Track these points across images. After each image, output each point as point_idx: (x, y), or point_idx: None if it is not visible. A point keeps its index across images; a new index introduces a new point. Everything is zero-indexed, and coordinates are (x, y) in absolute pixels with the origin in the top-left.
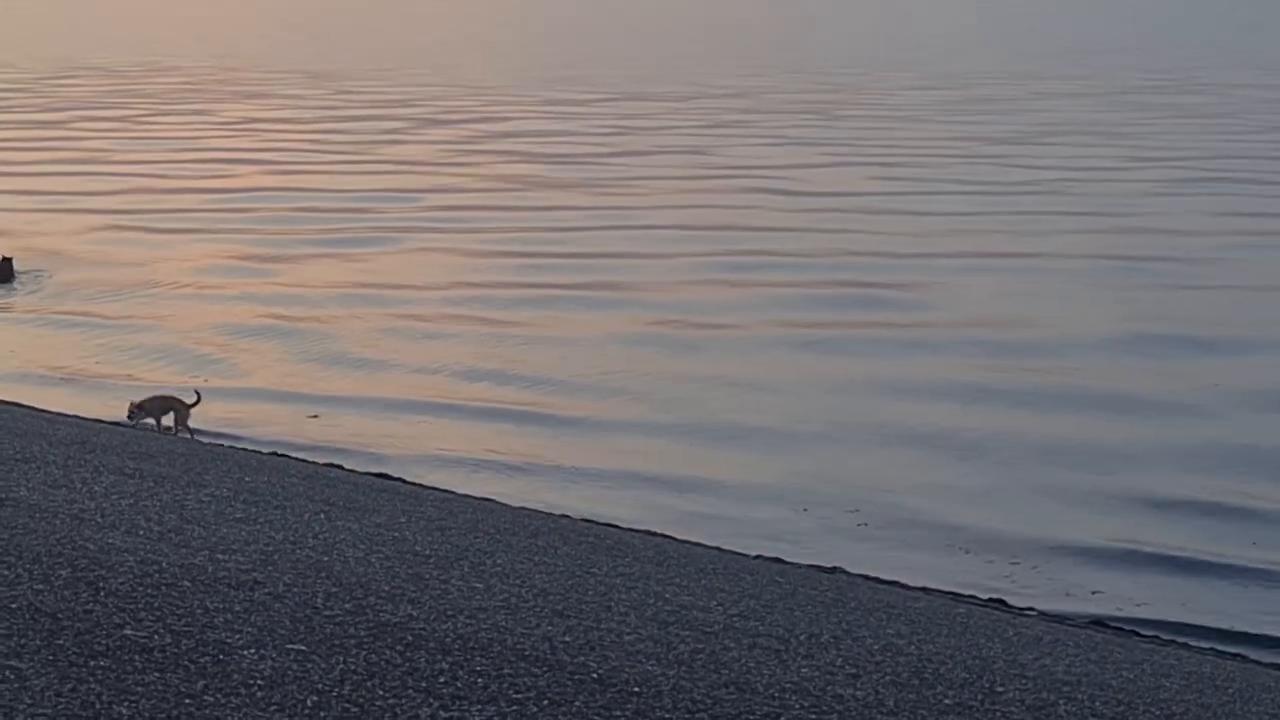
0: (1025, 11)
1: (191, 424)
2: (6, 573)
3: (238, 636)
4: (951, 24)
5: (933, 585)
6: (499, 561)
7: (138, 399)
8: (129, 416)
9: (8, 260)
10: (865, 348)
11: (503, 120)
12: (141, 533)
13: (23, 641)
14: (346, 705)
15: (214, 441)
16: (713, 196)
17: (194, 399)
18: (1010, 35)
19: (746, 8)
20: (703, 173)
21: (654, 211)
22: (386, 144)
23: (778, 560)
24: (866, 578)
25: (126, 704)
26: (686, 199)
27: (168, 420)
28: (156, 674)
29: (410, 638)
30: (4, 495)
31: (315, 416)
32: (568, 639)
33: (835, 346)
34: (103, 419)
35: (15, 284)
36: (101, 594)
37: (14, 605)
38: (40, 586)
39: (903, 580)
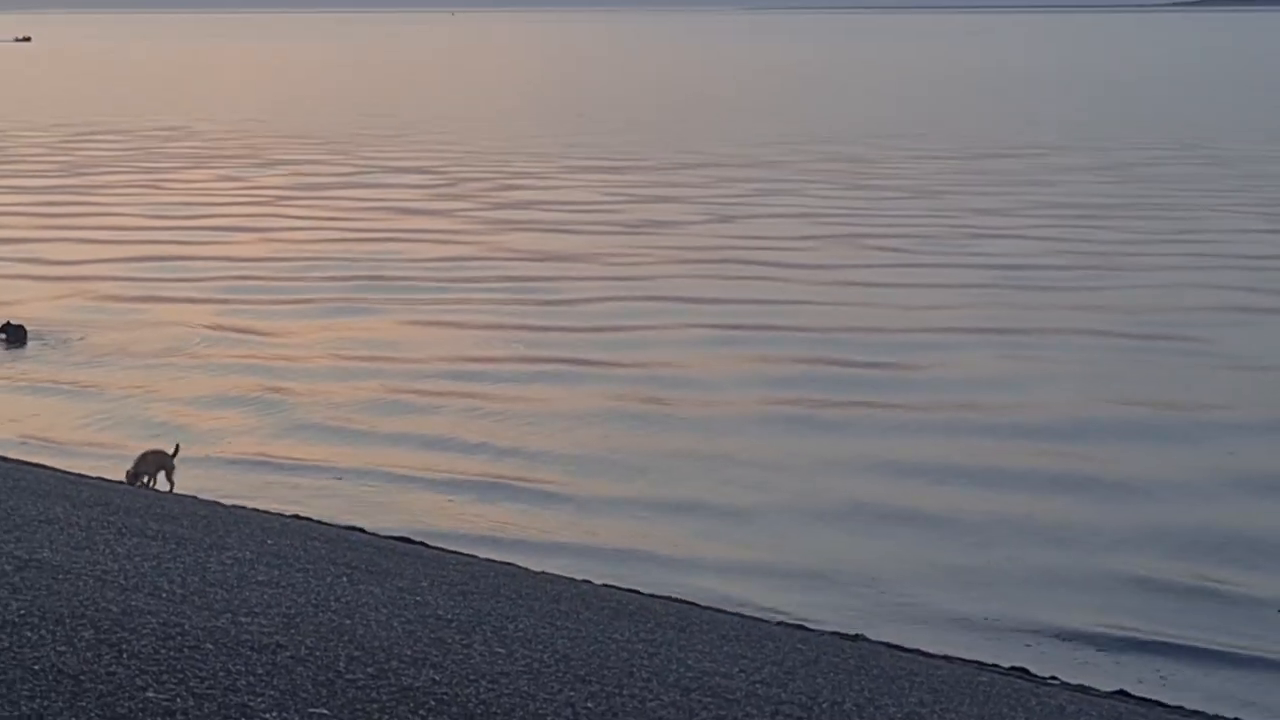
0: (1060, 63)
1: (216, 493)
2: (30, 634)
3: (260, 700)
4: (965, 72)
5: (955, 654)
6: (521, 626)
7: (129, 465)
8: (129, 482)
9: (20, 327)
10: (865, 426)
11: (518, 188)
12: (164, 595)
13: (46, 703)
14: None
15: (236, 505)
16: (710, 268)
17: (174, 449)
18: (1034, 97)
19: (782, 57)
20: (707, 245)
21: (669, 284)
22: (401, 211)
23: (800, 627)
24: (889, 645)
25: None
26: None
27: (162, 477)
28: None
29: (433, 702)
30: (28, 557)
31: (340, 479)
32: (590, 705)
33: (835, 424)
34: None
35: (29, 349)
36: (124, 656)
37: (37, 667)
38: (63, 648)
39: (925, 648)
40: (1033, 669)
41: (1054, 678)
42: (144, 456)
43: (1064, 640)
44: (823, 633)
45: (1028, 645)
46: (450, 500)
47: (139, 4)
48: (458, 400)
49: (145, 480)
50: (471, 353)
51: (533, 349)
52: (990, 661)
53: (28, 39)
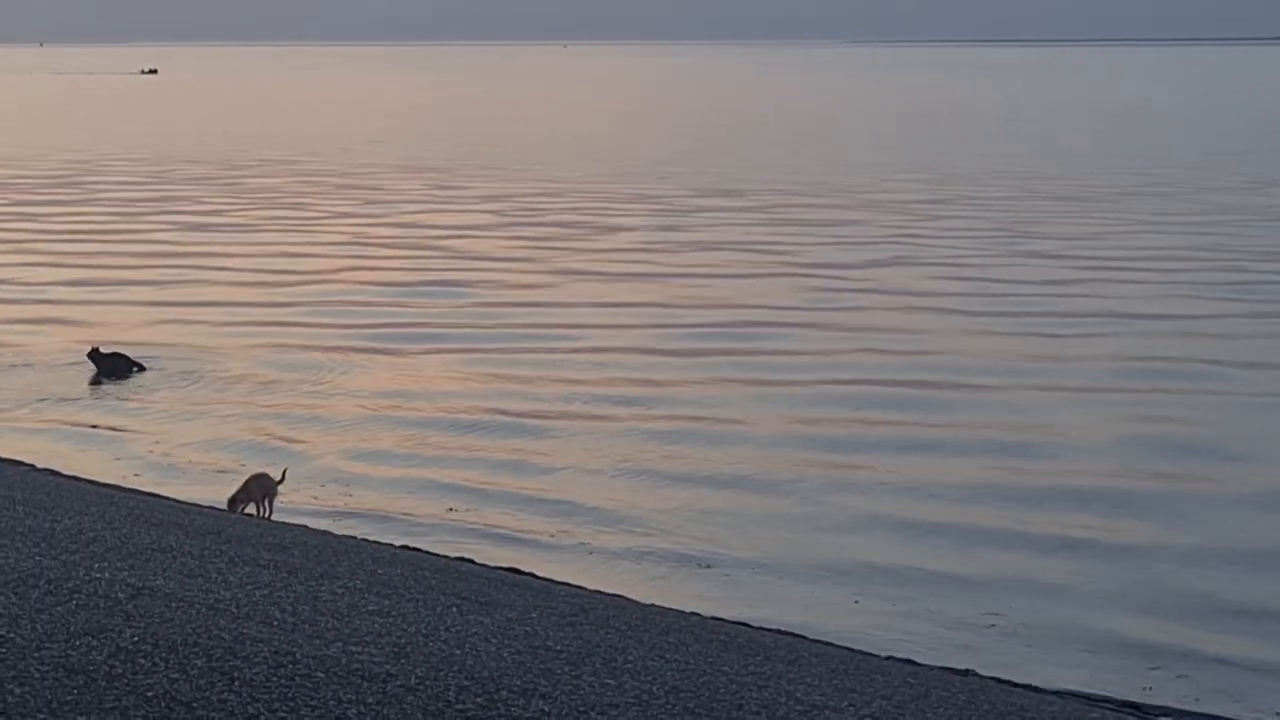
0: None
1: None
2: (144, 661)
3: None
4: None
5: (1066, 689)
6: (630, 658)
7: (233, 490)
8: (230, 507)
9: (117, 355)
10: (974, 447)
11: (584, 213)
12: (276, 624)
13: None
14: None
15: (346, 534)
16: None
17: (281, 476)
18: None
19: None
20: (756, 269)
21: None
22: (544, 248)
23: (909, 661)
24: (999, 680)
25: None
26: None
27: (264, 502)
28: None
29: None
30: (142, 584)
31: (451, 510)
32: None
33: (940, 444)
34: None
35: (135, 377)
36: (236, 684)
37: (151, 694)
38: (176, 675)
39: (1036, 683)
40: (1145, 704)
41: (1167, 710)
42: (248, 482)
43: (1179, 676)
44: (932, 667)
45: (1140, 681)
46: (560, 532)
47: (255, 37)
48: (576, 428)
49: (246, 507)
50: (591, 377)
51: (652, 377)
52: (1102, 696)
53: (154, 71)
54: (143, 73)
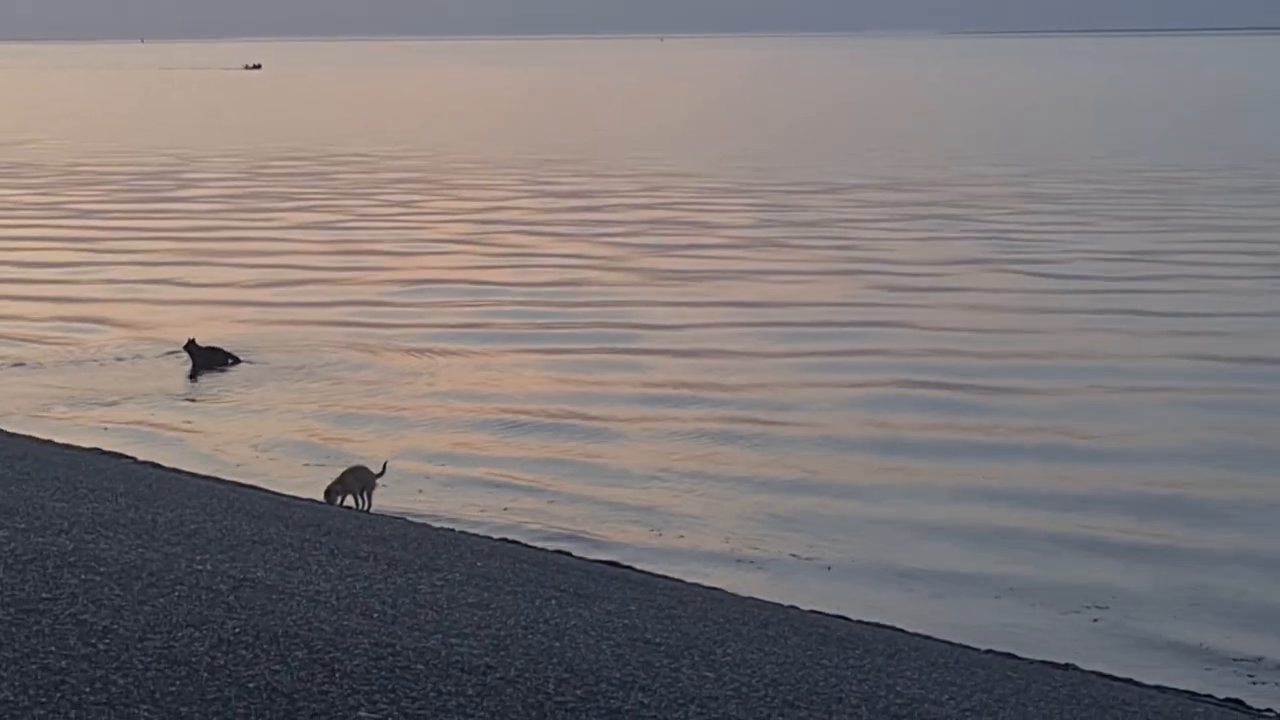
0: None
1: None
2: (245, 653)
3: None
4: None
5: (1168, 684)
6: (729, 651)
7: (331, 480)
8: (326, 498)
9: (218, 349)
10: (1074, 450)
11: (675, 208)
12: (376, 615)
13: None
14: None
15: (445, 527)
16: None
17: (381, 469)
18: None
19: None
20: (833, 266)
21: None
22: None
23: (1010, 655)
24: (1100, 675)
25: None
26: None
27: (362, 495)
28: None
29: None
30: (243, 576)
31: (552, 502)
32: None
33: (1037, 450)
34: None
35: (231, 370)
36: (337, 675)
37: (252, 685)
38: (277, 667)
39: (1137, 678)
40: (1249, 701)
41: (1270, 710)
42: (345, 474)
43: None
44: (1033, 661)
45: (1244, 676)
46: (659, 525)
47: (358, 32)
48: (670, 425)
49: (344, 498)
50: (680, 375)
51: (744, 369)
52: (1204, 692)
53: (258, 66)
54: (247, 68)
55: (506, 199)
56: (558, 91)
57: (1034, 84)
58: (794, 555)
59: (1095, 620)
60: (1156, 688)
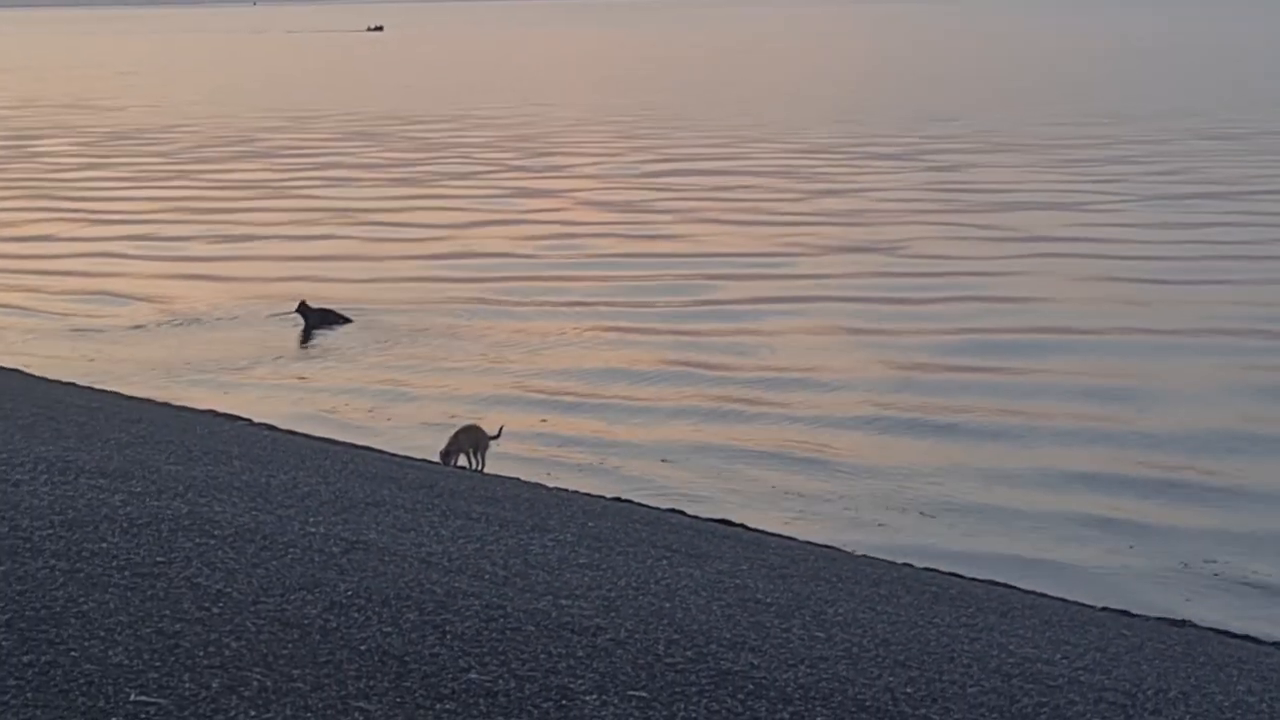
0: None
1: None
2: (357, 615)
3: (580, 682)
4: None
5: None
6: (840, 610)
7: (443, 444)
8: (442, 459)
9: (330, 310)
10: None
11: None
12: (487, 577)
13: (371, 683)
14: None
15: (559, 487)
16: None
17: (497, 431)
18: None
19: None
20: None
21: None
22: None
23: (1124, 613)
24: (1217, 631)
25: None
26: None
27: (474, 454)
28: (500, 718)
29: (751, 686)
30: (355, 538)
31: (665, 461)
32: (909, 690)
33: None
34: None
35: (343, 331)
36: (448, 637)
37: (363, 647)
38: (389, 629)
39: (1255, 635)
40: None
41: None
42: (458, 434)
43: None
44: (1148, 618)
45: None
46: (771, 484)
47: None
48: (784, 382)
49: (457, 458)
50: (818, 350)
51: (868, 341)
52: None
53: (380, 28)
54: (369, 30)
55: (629, 163)
56: (718, 54)
57: (1121, 32)
58: (909, 513)
59: (1218, 575)
60: (1275, 644)
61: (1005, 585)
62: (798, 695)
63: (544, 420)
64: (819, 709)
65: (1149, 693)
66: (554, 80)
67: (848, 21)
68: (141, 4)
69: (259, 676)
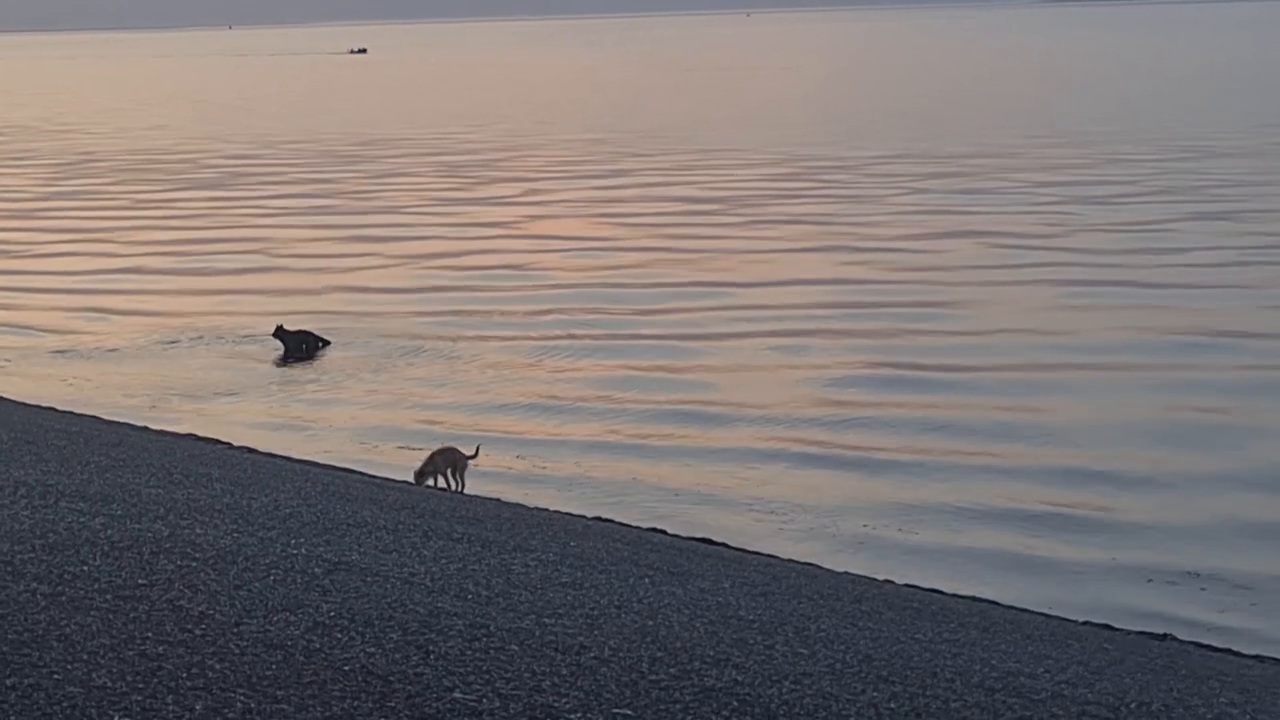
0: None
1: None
2: (340, 635)
3: (565, 700)
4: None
5: (1267, 654)
6: (823, 626)
7: (418, 465)
8: (416, 481)
9: (307, 332)
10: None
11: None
12: (470, 597)
13: (356, 704)
14: None
15: (539, 507)
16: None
17: (474, 451)
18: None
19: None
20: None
21: None
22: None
23: (1106, 626)
24: (1198, 645)
25: None
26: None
27: (451, 475)
28: None
29: (735, 703)
30: (337, 559)
31: (637, 479)
32: (893, 705)
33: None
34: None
35: (321, 353)
36: (431, 657)
37: (347, 667)
38: (372, 649)
39: (1236, 648)
40: None
41: None
42: (433, 455)
43: None
44: (1129, 632)
45: None
46: (752, 503)
47: (459, 13)
48: (763, 401)
49: (435, 480)
50: (770, 358)
51: (856, 356)
52: None
53: (363, 50)
54: (351, 52)
55: (604, 177)
56: (656, 71)
57: (1152, 51)
58: (886, 532)
59: (1202, 589)
60: (1255, 657)
61: (986, 600)
62: (782, 711)
63: (520, 441)
64: None
65: (1131, 706)
66: (526, 103)
67: (850, 33)
68: (114, 28)
69: (243, 698)
